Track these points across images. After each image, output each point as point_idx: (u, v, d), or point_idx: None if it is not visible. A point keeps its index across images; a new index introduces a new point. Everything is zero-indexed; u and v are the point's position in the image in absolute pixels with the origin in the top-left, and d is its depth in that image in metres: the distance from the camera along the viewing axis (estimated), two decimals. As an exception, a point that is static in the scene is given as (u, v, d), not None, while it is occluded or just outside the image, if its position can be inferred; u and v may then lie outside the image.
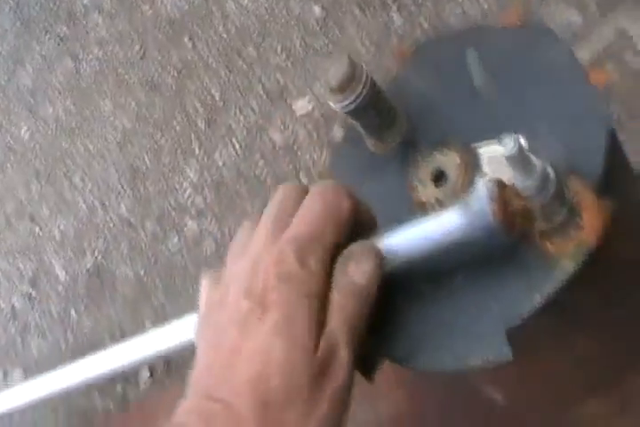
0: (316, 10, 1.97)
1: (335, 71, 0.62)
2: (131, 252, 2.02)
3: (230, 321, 0.49)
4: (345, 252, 0.51)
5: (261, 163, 1.91)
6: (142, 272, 1.98)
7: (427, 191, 0.67)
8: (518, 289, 0.55)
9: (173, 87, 2.16)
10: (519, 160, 0.51)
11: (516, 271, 0.56)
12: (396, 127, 0.71)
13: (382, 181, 0.71)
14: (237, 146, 1.96)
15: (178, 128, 2.11)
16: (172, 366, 1.84)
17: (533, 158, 0.52)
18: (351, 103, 0.63)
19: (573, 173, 0.55)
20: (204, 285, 0.56)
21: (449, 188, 0.65)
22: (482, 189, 0.52)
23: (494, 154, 0.64)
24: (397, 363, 0.60)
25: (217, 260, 1.88)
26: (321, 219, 0.53)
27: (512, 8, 0.68)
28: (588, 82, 0.59)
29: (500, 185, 0.52)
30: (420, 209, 0.65)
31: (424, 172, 0.68)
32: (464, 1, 1.72)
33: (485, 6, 1.68)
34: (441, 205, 0.63)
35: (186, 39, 2.20)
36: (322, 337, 0.47)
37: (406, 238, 0.55)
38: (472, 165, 0.64)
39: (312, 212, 0.55)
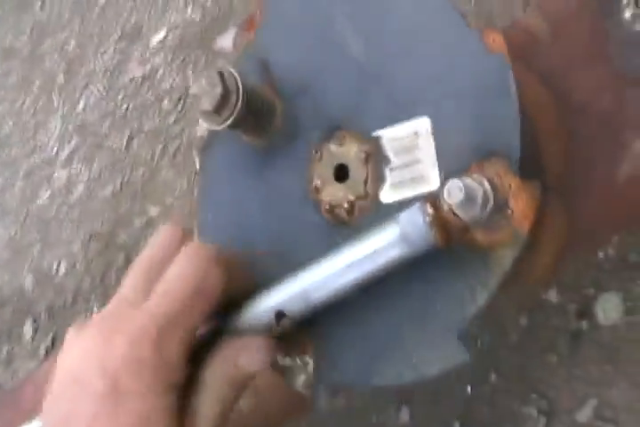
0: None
1: (208, 97, 0.60)
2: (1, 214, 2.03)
3: (83, 402, 0.46)
4: (234, 343, 0.51)
5: (122, 98, 1.94)
6: (13, 233, 1.98)
7: (331, 190, 0.64)
8: (459, 288, 0.55)
9: (27, 49, 2.20)
10: (464, 203, 0.49)
11: (453, 270, 0.55)
12: (274, 118, 0.68)
13: (271, 180, 0.68)
14: (97, 89, 2.01)
15: (37, 87, 2.14)
16: (56, 312, 1.82)
17: (476, 188, 0.50)
18: (227, 119, 0.62)
19: (494, 157, 0.54)
20: (67, 340, 0.52)
21: (355, 184, 0.63)
22: (418, 214, 0.50)
23: (397, 138, 0.61)
24: (351, 386, 0.62)
25: (88, 200, 1.89)
26: (187, 297, 0.51)
27: None
28: (485, 46, 0.58)
29: (437, 207, 0.50)
30: (330, 213, 0.63)
31: (323, 168, 0.65)
32: None
33: None
34: (351, 205, 0.62)
35: (36, 2, 2.25)
36: None
37: (334, 273, 0.53)
38: (375, 155, 0.62)
39: (178, 285, 0.52)
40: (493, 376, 1.14)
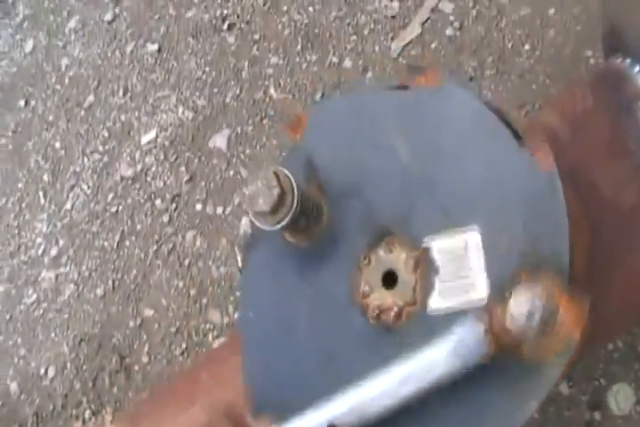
0: (150, 46, 2.15)
1: (265, 197, 0.63)
2: (-18, 317, 2.05)
3: None
4: None
5: (112, 198, 2.00)
6: (-3, 333, 2.00)
7: (379, 295, 0.67)
8: (510, 400, 0.58)
9: (10, 147, 2.26)
10: (528, 316, 0.54)
11: (504, 382, 0.58)
12: (322, 220, 0.72)
13: (316, 282, 0.71)
14: (86, 188, 2.07)
15: (21, 187, 2.19)
16: (43, 418, 1.83)
17: (536, 302, 0.54)
18: (282, 220, 0.65)
19: (543, 268, 0.58)
20: None
21: (403, 290, 0.66)
22: (473, 331, 0.54)
23: (446, 248, 0.65)
24: None
25: (77, 301, 1.93)
26: None
27: (429, 69, 0.70)
28: (535, 162, 0.63)
29: (492, 322, 0.54)
30: (377, 318, 0.66)
31: (371, 273, 0.68)
32: (291, 10, 1.92)
33: (311, 9, 1.88)
34: (399, 311, 0.65)
35: (19, 100, 2.32)
36: None
37: (388, 386, 0.57)
38: (424, 263, 0.65)
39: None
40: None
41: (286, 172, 0.64)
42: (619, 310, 0.92)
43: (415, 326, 0.63)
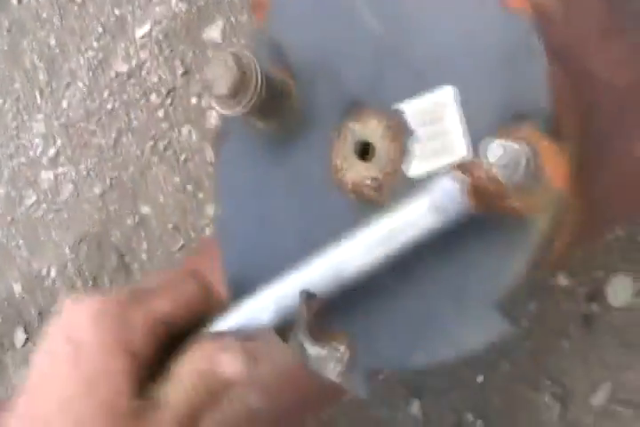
0: (140, -65, 2.06)
1: (222, 80, 0.59)
2: (-16, 220, 2.05)
3: (59, 358, 0.52)
4: (217, 341, 0.54)
5: (107, 95, 1.97)
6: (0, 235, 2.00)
7: (355, 170, 0.64)
8: (495, 257, 0.55)
9: (5, 48, 2.22)
10: (508, 166, 0.50)
11: (488, 239, 0.55)
12: (290, 101, 0.67)
13: (291, 165, 0.68)
14: (82, 85, 2.03)
15: (18, 87, 2.16)
16: (47, 318, 1.84)
17: (519, 150, 0.51)
18: (245, 104, 0.60)
19: (524, 121, 0.55)
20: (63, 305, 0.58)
21: (380, 161, 0.62)
22: (449, 181, 0.51)
23: (421, 110, 0.61)
24: (390, 369, 0.62)
25: (76, 200, 1.91)
26: (162, 283, 0.58)
27: None
28: (506, 6, 0.58)
29: (470, 172, 0.51)
30: (355, 192, 0.63)
31: (344, 147, 0.65)
32: None
33: None
34: (379, 183, 0.61)
35: (12, -1, 2.27)
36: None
37: (366, 248, 0.54)
38: (399, 130, 0.61)
39: (154, 279, 0.60)
40: (505, 364, 1.16)
41: (247, 53, 0.60)
42: (614, 197, 0.88)
43: (397, 196, 0.58)
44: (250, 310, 0.59)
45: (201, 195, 1.70)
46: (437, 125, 0.60)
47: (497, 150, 0.50)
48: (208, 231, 1.67)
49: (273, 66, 0.67)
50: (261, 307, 0.59)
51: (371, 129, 0.63)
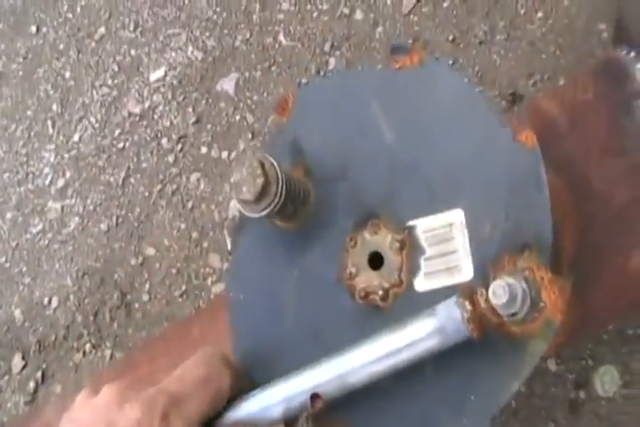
0: (162, -19, 2.08)
1: (249, 186, 0.62)
2: (-11, 243, 2.05)
3: None
4: None
5: (119, 133, 1.97)
6: (3, 259, 2.00)
7: (365, 277, 0.67)
8: (493, 376, 0.59)
9: (20, 73, 2.21)
10: (507, 303, 0.54)
11: (487, 359, 0.59)
12: (308, 204, 0.71)
13: (303, 264, 0.71)
14: (94, 121, 2.04)
15: (30, 114, 2.16)
16: (45, 346, 1.85)
17: (517, 287, 0.55)
18: (266, 208, 0.64)
19: (526, 251, 0.59)
20: (80, 399, 0.62)
21: (389, 271, 0.66)
22: (455, 309, 0.54)
23: (431, 229, 0.65)
24: None
25: (82, 234, 1.92)
26: (196, 382, 0.59)
27: (414, 49, 0.69)
28: (519, 143, 0.62)
29: (474, 302, 0.54)
30: (364, 299, 0.66)
31: (357, 255, 0.68)
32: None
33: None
34: (386, 291, 0.65)
35: (31, 26, 2.26)
36: None
37: (372, 359, 0.58)
38: (410, 244, 0.65)
39: (190, 372, 0.62)
40: (490, 442, 1.19)
41: (271, 159, 0.64)
42: (606, 304, 0.92)
43: (402, 306, 0.64)
44: (262, 403, 0.64)
45: (205, 244, 1.73)
46: (446, 245, 0.64)
47: (499, 290, 0.54)
48: (210, 281, 1.68)
49: (292, 167, 0.71)
50: (273, 402, 0.63)
51: (384, 241, 0.67)
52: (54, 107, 2.15)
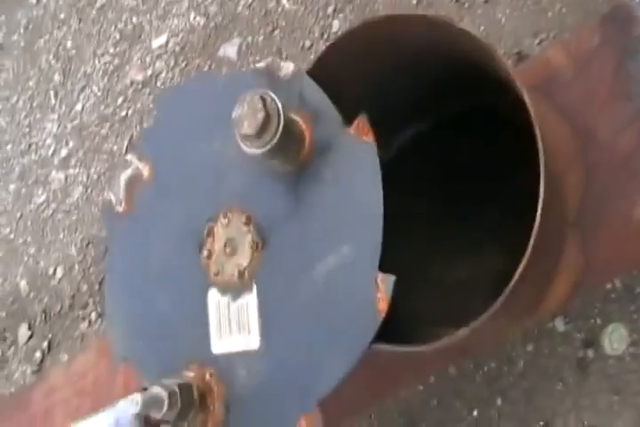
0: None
1: (250, 120, 0.65)
2: (-7, 214, 2.04)
3: None
4: None
5: (122, 102, 1.95)
6: (8, 231, 1.98)
7: None
8: None
9: (22, 44, 2.19)
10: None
11: None
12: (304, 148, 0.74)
13: None
14: (96, 90, 2.02)
15: (32, 85, 2.14)
16: (51, 316, 1.84)
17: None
18: (267, 144, 0.67)
19: None
20: None
21: None
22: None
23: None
24: None
25: (86, 203, 1.91)
26: None
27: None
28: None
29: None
30: None
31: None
32: None
33: None
34: None
35: (32, -4, 2.25)
36: None
37: None
38: None
39: None
40: (500, 401, 1.18)
41: (272, 95, 0.65)
42: (611, 255, 0.92)
43: None
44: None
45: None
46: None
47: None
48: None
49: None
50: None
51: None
52: (56, 77, 2.12)
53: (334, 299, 0.67)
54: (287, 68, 0.74)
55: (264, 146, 0.65)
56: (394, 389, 1.02)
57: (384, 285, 0.64)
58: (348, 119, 0.72)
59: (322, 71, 0.75)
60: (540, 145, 0.64)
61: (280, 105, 0.65)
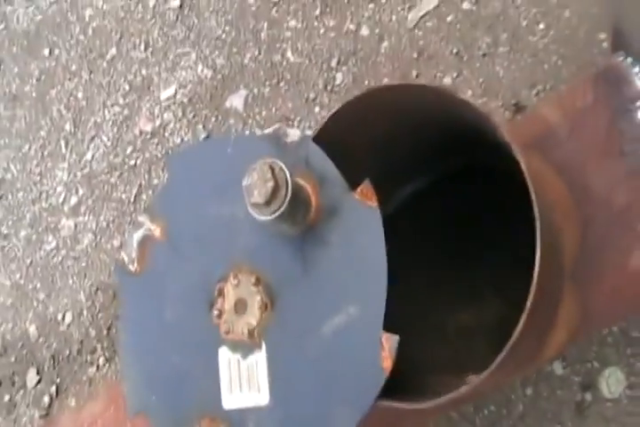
0: (172, 2, 2.09)
1: (260, 190, 0.69)
2: (4, 260, 2.05)
3: None
4: None
5: (131, 151, 1.99)
6: (18, 276, 2.00)
7: None
8: None
9: (34, 95, 2.23)
10: None
11: None
12: (310, 212, 0.77)
13: None
14: (106, 139, 2.05)
15: (44, 134, 2.18)
16: (59, 361, 1.85)
17: None
18: (276, 211, 0.70)
19: None
20: None
21: None
22: None
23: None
24: None
25: (95, 250, 1.93)
26: None
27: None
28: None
29: None
30: None
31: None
32: None
33: None
34: None
35: (44, 48, 2.28)
36: None
37: None
38: None
39: None
40: (502, 444, 1.19)
41: (281, 164, 0.68)
42: (607, 304, 0.95)
43: None
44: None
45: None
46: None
47: None
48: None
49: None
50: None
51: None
52: (67, 126, 2.16)
53: (341, 357, 0.69)
54: (294, 134, 0.76)
55: (273, 213, 0.68)
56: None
57: (388, 344, 0.67)
58: (353, 181, 0.74)
59: (326, 137, 0.78)
60: (533, 197, 0.67)
61: (288, 173, 0.68)
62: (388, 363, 0.67)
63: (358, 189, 0.71)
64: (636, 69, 0.88)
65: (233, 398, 0.76)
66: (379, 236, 0.69)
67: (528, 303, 0.65)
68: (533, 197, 0.67)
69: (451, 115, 0.75)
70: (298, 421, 0.72)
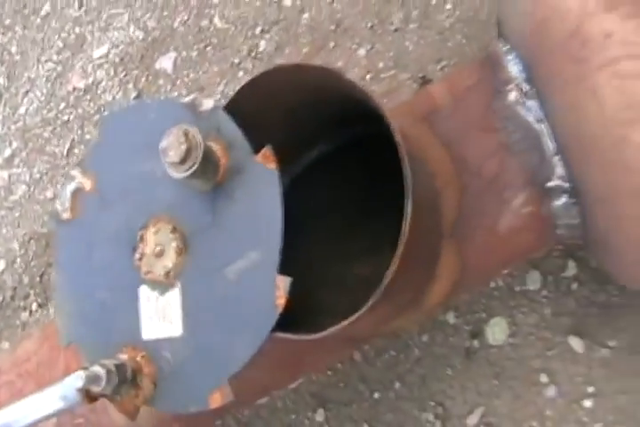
0: (106, -38, 2.12)
1: (175, 151, 0.78)
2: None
3: None
4: None
5: (64, 107, 2.02)
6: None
7: None
8: None
9: (-32, 49, 2.25)
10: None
11: None
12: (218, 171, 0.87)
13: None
14: (39, 95, 2.08)
15: (-22, 88, 2.19)
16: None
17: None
18: (189, 169, 0.79)
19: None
20: None
21: None
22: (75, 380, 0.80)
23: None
24: None
25: (28, 201, 1.97)
26: None
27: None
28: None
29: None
30: None
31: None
32: None
33: None
34: None
35: (-22, 3, 2.30)
36: None
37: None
38: None
39: None
40: (398, 385, 1.32)
41: (194, 130, 0.78)
42: (480, 262, 1.04)
43: None
44: None
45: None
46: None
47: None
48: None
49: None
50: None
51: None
52: (1, 80, 2.18)
53: (243, 295, 0.81)
54: (207, 103, 0.87)
55: (186, 171, 0.78)
56: (302, 370, 1.14)
57: (282, 285, 0.78)
58: (259, 147, 0.85)
59: (238, 107, 0.88)
60: (403, 155, 0.78)
61: (200, 137, 0.78)
62: (281, 301, 0.78)
63: (260, 153, 0.82)
64: (510, 57, 0.95)
65: (151, 330, 0.87)
66: (276, 194, 0.80)
67: (398, 251, 0.76)
68: (404, 155, 0.77)
69: (343, 91, 0.85)
70: (206, 349, 0.83)
